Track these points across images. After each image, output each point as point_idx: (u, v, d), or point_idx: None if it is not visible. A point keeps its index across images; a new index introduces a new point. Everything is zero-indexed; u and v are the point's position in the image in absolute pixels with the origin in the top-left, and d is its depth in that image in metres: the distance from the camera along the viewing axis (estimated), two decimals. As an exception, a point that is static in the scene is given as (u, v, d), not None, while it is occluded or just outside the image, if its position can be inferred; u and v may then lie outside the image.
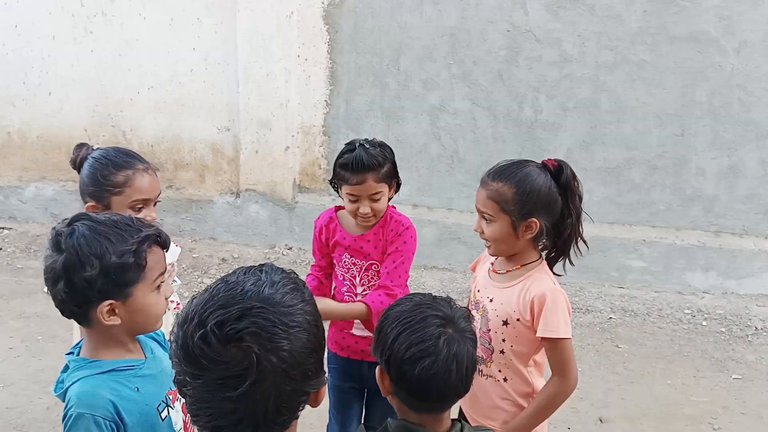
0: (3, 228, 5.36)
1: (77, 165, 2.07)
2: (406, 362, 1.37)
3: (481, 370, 1.98)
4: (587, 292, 4.57)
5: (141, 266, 1.45)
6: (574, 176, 1.92)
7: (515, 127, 4.70)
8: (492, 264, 2.01)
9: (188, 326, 1.01)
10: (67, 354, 1.59)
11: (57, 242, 1.46)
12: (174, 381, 1.05)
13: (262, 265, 1.11)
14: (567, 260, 1.98)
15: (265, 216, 5.09)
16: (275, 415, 1.02)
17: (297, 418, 1.08)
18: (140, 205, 2.02)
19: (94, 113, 5.29)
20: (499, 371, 1.95)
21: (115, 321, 1.46)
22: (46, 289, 1.50)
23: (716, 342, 4.10)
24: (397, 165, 2.28)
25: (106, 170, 2.00)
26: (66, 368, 1.56)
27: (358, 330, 2.34)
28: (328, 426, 2.51)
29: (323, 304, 2.07)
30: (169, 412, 1.56)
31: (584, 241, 1.96)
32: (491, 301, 1.95)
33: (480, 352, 1.94)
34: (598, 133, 4.62)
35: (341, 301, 2.35)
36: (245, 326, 0.99)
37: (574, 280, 4.61)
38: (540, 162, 1.93)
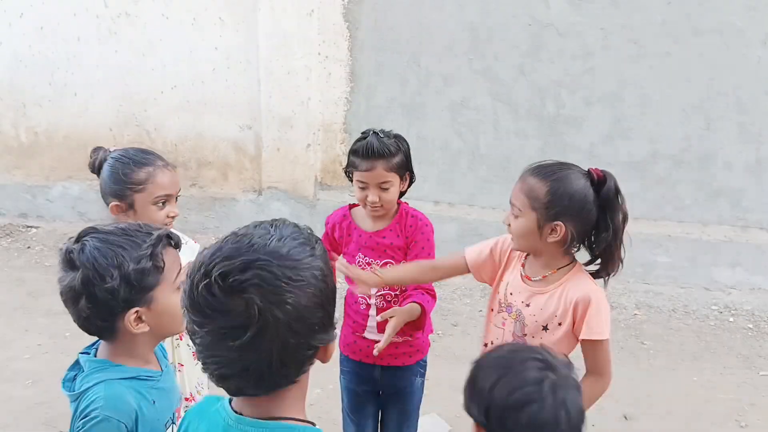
0: (31, 227, 5.46)
1: (96, 168, 2.11)
2: (509, 409, 1.25)
3: None
4: (612, 288, 4.51)
5: (160, 268, 1.47)
6: (618, 192, 1.85)
7: (537, 123, 4.67)
8: (523, 266, 1.96)
9: (195, 276, 1.02)
10: (82, 353, 1.58)
11: (70, 260, 1.46)
12: (185, 328, 1.06)
13: (275, 220, 1.11)
14: (604, 279, 1.93)
15: (287, 213, 5.11)
16: (280, 367, 1.03)
17: (306, 372, 1.09)
18: (163, 201, 2.05)
19: (119, 113, 5.36)
20: None
21: (144, 328, 1.48)
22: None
23: (743, 338, 4.03)
24: (418, 161, 2.27)
25: (127, 168, 2.04)
26: (76, 364, 1.56)
27: (371, 334, 2.31)
28: (343, 427, 2.51)
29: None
30: (172, 429, 1.57)
31: (621, 261, 1.89)
32: (528, 306, 1.90)
33: None
34: (622, 128, 4.57)
35: (354, 302, 2.33)
36: (248, 278, 0.99)
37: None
38: (587, 169, 1.88)
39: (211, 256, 1.03)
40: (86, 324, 1.49)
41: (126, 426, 1.44)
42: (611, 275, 1.90)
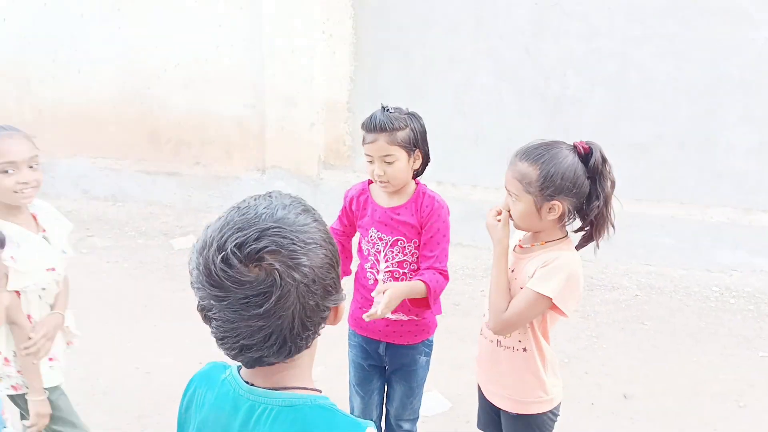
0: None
1: None
2: None
3: (500, 341, 2.01)
4: (614, 269, 4.55)
5: None
6: (605, 160, 1.91)
7: (541, 103, 4.65)
8: (520, 240, 2.04)
9: (208, 252, 1.03)
10: None
11: None
12: (197, 308, 1.08)
13: (270, 192, 1.15)
14: (596, 243, 1.98)
15: (291, 192, 5.12)
16: (301, 330, 1.07)
17: (318, 334, 1.12)
18: (8, 168, 2.05)
19: (123, 90, 5.35)
20: (519, 341, 1.98)
21: None
22: None
23: (744, 320, 4.06)
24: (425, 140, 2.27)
25: None
26: None
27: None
28: (350, 398, 2.55)
29: (389, 285, 2.14)
30: None
31: (612, 226, 1.97)
32: (512, 271, 1.98)
33: None
34: (627, 109, 4.56)
35: (363, 277, 2.36)
36: (265, 245, 1.02)
37: (600, 256, 4.58)
38: (571, 144, 1.93)
39: (221, 231, 1.04)
40: None
41: None
42: (602, 238, 1.97)
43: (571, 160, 1.88)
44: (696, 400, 3.29)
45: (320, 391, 1.14)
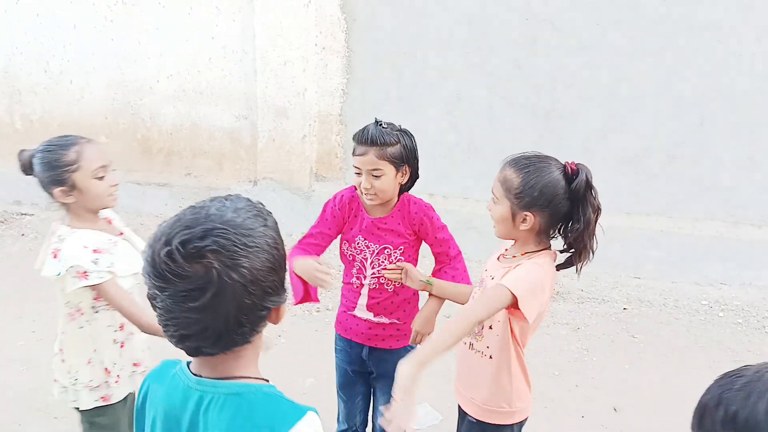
0: (25, 214, 5.45)
1: (27, 167, 2.15)
2: None
3: (472, 344, 2.03)
4: (603, 282, 4.56)
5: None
6: (589, 186, 1.88)
7: (532, 117, 4.69)
8: (506, 250, 2.05)
9: (156, 245, 1.11)
10: None
11: None
12: (146, 295, 1.15)
13: (229, 195, 1.22)
14: (576, 268, 1.96)
15: (282, 204, 5.13)
16: (236, 326, 1.13)
17: (259, 333, 1.19)
18: (101, 174, 2.11)
19: (114, 101, 5.35)
20: (487, 347, 1.99)
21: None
22: None
23: (733, 333, 4.08)
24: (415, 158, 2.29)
25: (55, 154, 2.09)
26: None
27: (360, 311, 2.36)
28: (337, 404, 2.57)
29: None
30: None
31: (592, 251, 1.94)
32: (492, 279, 1.99)
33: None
34: (616, 123, 4.60)
35: (349, 283, 2.37)
36: (207, 245, 1.08)
37: (590, 269, 4.60)
38: (563, 162, 1.92)
39: (171, 227, 1.12)
40: None
41: None
42: (582, 264, 1.96)
43: (554, 177, 1.87)
44: (685, 413, 3.28)
45: (267, 381, 1.22)
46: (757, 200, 4.53)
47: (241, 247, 1.10)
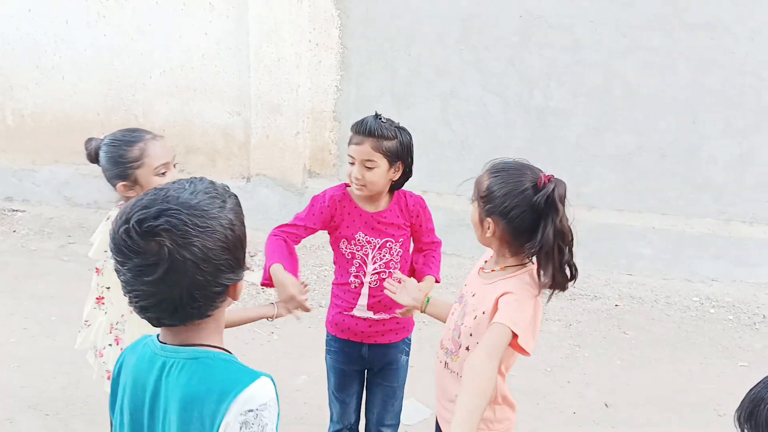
0: (16, 210, 5.43)
1: (93, 157, 2.22)
2: None
3: (447, 363, 1.96)
4: (595, 279, 4.58)
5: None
6: (554, 203, 1.76)
7: (526, 114, 4.70)
8: (486, 262, 1.97)
9: (117, 222, 1.20)
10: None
11: None
12: (114, 268, 1.23)
13: (194, 178, 1.29)
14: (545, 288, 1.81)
15: (275, 201, 5.12)
16: (190, 300, 1.20)
17: (218, 308, 1.27)
18: (163, 171, 2.16)
19: (107, 97, 5.32)
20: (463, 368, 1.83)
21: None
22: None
23: (724, 330, 4.11)
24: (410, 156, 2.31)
25: (120, 150, 2.15)
26: None
27: (359, 311, 2.36)
28: (329, 406, 2.56)
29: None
30: None
31: (562, 279, 1.80)
32: (474, 296, 1.91)
33: (450, 344, 1.95)
34: (610, 120, 4.61)
35: (345, 282, 2.36)
36: (160, 224, 1.16)
37: (582, 267, 4.62)
38: (540, 173, 1.83)
39: (132, 207, 1.20)
40: None
41: None
42: (552, 290, 1.81)
43: (523, 187, 1.78)
44: (676, 409, 3.32)
45: (229, 352, 1.29)
46: (748, 198, 4.55)
47: (192, 227, 1.17)
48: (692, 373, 3.64)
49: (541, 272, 1.80)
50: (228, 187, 1.31)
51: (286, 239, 2.28)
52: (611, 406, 3.33)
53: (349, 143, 2.25)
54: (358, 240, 2.31)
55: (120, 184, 2.16)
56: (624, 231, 4.64)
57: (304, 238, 2.33)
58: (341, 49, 4.89)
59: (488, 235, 1.85)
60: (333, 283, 2.43)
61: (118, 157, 2.14)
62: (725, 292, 4.47)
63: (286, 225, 2.33)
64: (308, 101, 5.00)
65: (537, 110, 4.68)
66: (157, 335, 1.31)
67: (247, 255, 1.29)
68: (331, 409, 2.55)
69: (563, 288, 1.83)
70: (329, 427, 2.57)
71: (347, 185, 2.35)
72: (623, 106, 4.57)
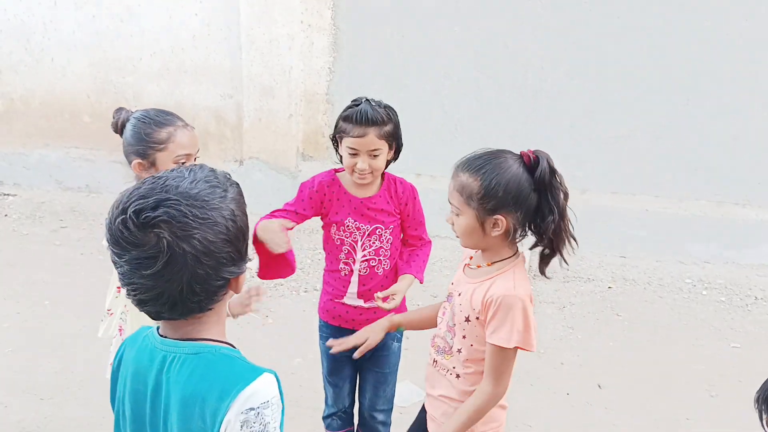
0: (7, 195, 5.39)
1: (119, 128, 2.17)
2: None
3: (437, 361, 1.93)
4: (588, 261, 4.59)
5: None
6: (553, 171, 1.76)
7: (519, 96, 4.68)
8: (471, 258, 1.91)
9: (114, 212, 1.15)
10: None
11: None
12: (111, 259, 1.18)
13: (194, 165, 1.24)
14: (561, 260, 1.83)
15: (269, 184, 5.10)
16: (190, 294, 1.16)
17: (220, 300, 1.22)
18: (183, 160, 2.13)
19: (96, 79, 5.27)
20: (453, 367, 1.88)
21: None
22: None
23: (716, 311, 4.13)
24: (401, 133, 2.29)
25: (149, 128, 2.11)
26: None
27: (350, 299, 2.35)
28: (324, 389, 2.57)
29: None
30: None
31: (574, 240, 1.81)
32: (460, 295, 1.86)
33: (442, 342, 1.91)
34: (603, 102, 4.60)
35: (335, 269, 2.35)
36: (158, 215, 1.11)
37: (576, 249, 4.63)
38: (518, 153, 1.79)
39: (128, 196, 1.15)
40: None
41: None
42: (563, 255, 1.81)
43: (515, 171, 1.73)
44: (668, 390, 3.35)
45: (232, 345, 1.26)
46: (741, 180, 4.56)
47: (192, 218, 1.12)
48: (684, 355, 3.66)
49: (559, 241, 1.79)
50: (229, 176, 1.26)
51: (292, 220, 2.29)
52: (604, 388, 3.35)
53: (348, 135, 2.16)
54: (348, 226, 2.29)
55: (136, 161, 2.11)
56: (617, 213, 4.64)
57: (297, 224, 2.30)
58: (334, 31, 4.84)
59: (495, 233, 1.76)
60: (324, 270, 2.42)
61: (145, 135, 2.10)
62: (718, 274, 4.49)
63: (278, 210, 2.31)
64: (301, 83, 4.96)
65: (531, 92, 4.66)
66: (157, 327, 1.28)
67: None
68: (325, 392, 2.56)
69: (568, 246, 1.83)
70: (324, 411, 2.58)
71: (336, 171, 2.34)
72: (617, 88, 4.56)
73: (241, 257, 1.22)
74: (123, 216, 1.12)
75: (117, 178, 5.37)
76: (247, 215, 1.25)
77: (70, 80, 5.30)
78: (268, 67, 4.89)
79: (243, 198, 1.25)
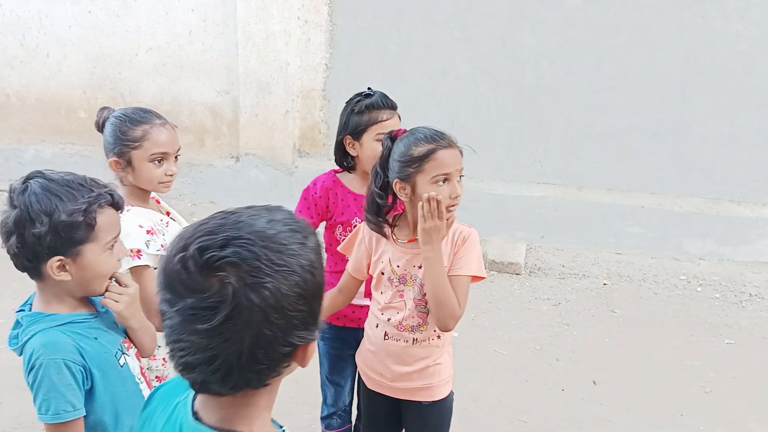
0: (3, 190, 5.37)
1: (100, 126, 2.15)
2: None
3: (416, 339, 2.00)
4: (584, 257, 4.61)
5: (91, 226, 1.50)
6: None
7: (516, 92, 4.68)
8: (395, 239, 2.00)
9: (173, 249, 0.97)
10: (18, 311, 1.64)
11: (10, 198, 1.52)
12: (159, 308, 1.00)
13: (270, 205, 1.04)
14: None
15: (265, 180, 5.10)
16: (251, 362, 0.95)
17: (279, 374, 1.01)
18: (159, 158, 2.10)
19: (92, 75, 5.25)
20: (434, 330, 2.01)
21: (65, 277, 1.52)
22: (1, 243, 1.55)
23: (710, 308, 4.15)
24: None
25: (124, 126, 2.09)
26: (17, 324, 1.61)
27: (357, 299, 2.32)
28: (322, 388, 2.55)
29: None
30: (126, 360, 1.64)
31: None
32: (421, 268, 1.95)
33: (414, 321, 1.99)
34: (600, 99, 4.60)
35: (340, 272, 2.34)
36: (226, 255, 0.93)
37: (571, 245, 4.65)
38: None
39: (193, 231, 0.97)
40: (14, 260, 1.54)
41: (73, 362, 1.51)
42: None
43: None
44: (663, 386, 3.36)
45: (282, 427, 1.06)
46: (736, 177, 4.58)
47: (266, 263, 0.93)
48: (679, 351, 3.68)
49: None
50: (308, 223, 1.06)
51: None
52: (599, 384, 3.36)
53: (376, 122, 2.21)
54: (355, 226, 2.26)
55: (112, 159, 2.09)
56: (613, 210, 4.66)
57: None
58: (331, 27, 4.84)
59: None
60: (326, 272, 2.40)
61: (120, 133, 2.07)
62: (712, 271, 4.51)
63: None
64: (298, 79, 4.96)
65: (528, 89, 4.66)
66: (194, 395, 1.05)
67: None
68: (324, 392, 2.53)
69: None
70: (322, 410, 2.56)
71: (336, 171, 2.33)
72: (613, 85, 4.57)
73: (314, 320, 1.00)
74: (183, 253, 0.93)
75: (112, 174, 5.36)
76: (324, 270, 1.04)
77: (65, 76, 5.28)
78: (265, 62, 4.88)
79: (322, 249, 1.05)
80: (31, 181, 1.51)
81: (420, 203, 1.83)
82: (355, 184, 2.30)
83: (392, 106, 2.24)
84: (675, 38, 4.42)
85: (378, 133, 2.20)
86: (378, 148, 2.17)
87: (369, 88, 2.26)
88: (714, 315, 4.07)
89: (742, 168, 4.56)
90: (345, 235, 2.29)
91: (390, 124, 2.21)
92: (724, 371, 3.50)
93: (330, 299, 2.15)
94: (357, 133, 2.25)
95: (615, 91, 4.57)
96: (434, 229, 1.84)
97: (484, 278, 2.02)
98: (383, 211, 2.00)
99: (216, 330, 0.92)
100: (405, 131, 1.98)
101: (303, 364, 1.01)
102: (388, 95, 2.25)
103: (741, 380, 3.43)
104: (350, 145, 2.26)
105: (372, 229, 2.02)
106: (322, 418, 2.55)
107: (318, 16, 4.82)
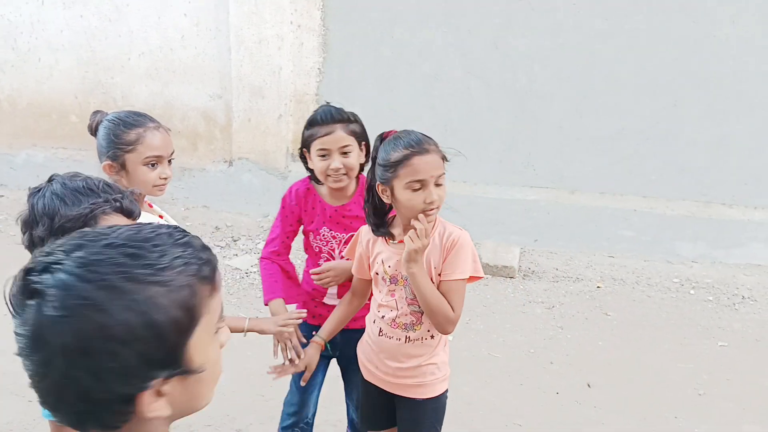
0: (-5, 195, 5.35)
1: (93, 130, 2.14)
2: None
3: (409, 337, 2.03)
4: (577, 261, 4.62)
5: None
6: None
7: (508, 97, 4.69)
8: (388, 240, 2.03)
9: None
10: None
11: (27, 198, 1.56)
12: None
13: (169, 227, 0.88)
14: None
15: (258, 184, 5.09)
16: (81, 404, 0.81)
17: (129, 421, 0.83)
18: (153, 162, 2.09)
19: (85, 79, 5.24)
20: (428, 330, 2.02)
21: None
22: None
23: (703, 310, 4.16)
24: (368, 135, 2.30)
25: (118, 129, 2.07)
26: None
27: (330, 299, 2.34)
28: (287, 396, 2.46)
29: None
30: None
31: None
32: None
33: (407, 319, 2.01)
34: (592, 103, 4.62)
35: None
36: (43, 279, 0.79)
37: (564, 249, 4.66)
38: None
39: (49, 246, 0.85)
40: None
41: None
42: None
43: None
44: (657, 389, 3.37)
45: None
46: (728, 180, 4.60)
47: (94, 293, 0.76)
48: (672, 354, 3.69)
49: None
50: (200, 239, 0.88)
51: (282, 264, 2.33)
52: (593, 387, 3.37)
53: (314, 138, 2.19)
54: (323, 235, 2.28)
55: (106, 163, 2.07)
56: (605, 213, 4.67)
57: (292, 242, 2.36)
58: (323, 31, 4.84)
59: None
60: (304, 270, 2.41)
61: (114, 136, 2.06)
62: (705, 274, 4.53)
63: (268, 245, 2.35)
64: (291, 84, 4.96)
65: (520, 93, 4.68)
66: None
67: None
68: (287, 400, 2.45)
69: None
70: (282, 419, 2.44)
71: (311, 178, 2.33)
72: (605, 90, 4.59)
73: (154, 367, 0.81)
74: (15, 274, 0.81)
75: (105, 179, 5.34)
76: (181, 308, 0.83)
77: (57, 80, 5.27)
78: (258, 67, 4.88)
79: (211, 273, 0.86)
80: (50, 183, 1.55)
81: (410, 231, 1.89)
82: (326, 193, 2.31)
83: (336, 119, 2.18)
84: (666, 43, 4.44)
85: (319, 149, 2.19)
86: (320, 164, 2.20)
87: (327, 103, 2.26)
88: (707, 317, 4.08)
89: (733, 171, 4.59)
90: (317, 243, 2.31)
91: (329, 140, 2.17)
92: (717, 373, 3.51)
93: (345, 304, 2.21)
94: (307, 147, 2.26)
95: (607, 96, 4.59)
96: (421, 251, 1.89)
97: (482, 277, 2.02)
98: (379, 211, 2.02)
99: (41, 368, 0.80)
100: (394, 132, 1.99)
101: (146, 415, 0.82)
102: (338, 108, 2.21)
103: (734, 382, 3.44)
104: (308, 158, 2.28)
105: (371, 230, 2.06)
106: (282, 429, 2.43)
107: (311, 20, 4.83)
